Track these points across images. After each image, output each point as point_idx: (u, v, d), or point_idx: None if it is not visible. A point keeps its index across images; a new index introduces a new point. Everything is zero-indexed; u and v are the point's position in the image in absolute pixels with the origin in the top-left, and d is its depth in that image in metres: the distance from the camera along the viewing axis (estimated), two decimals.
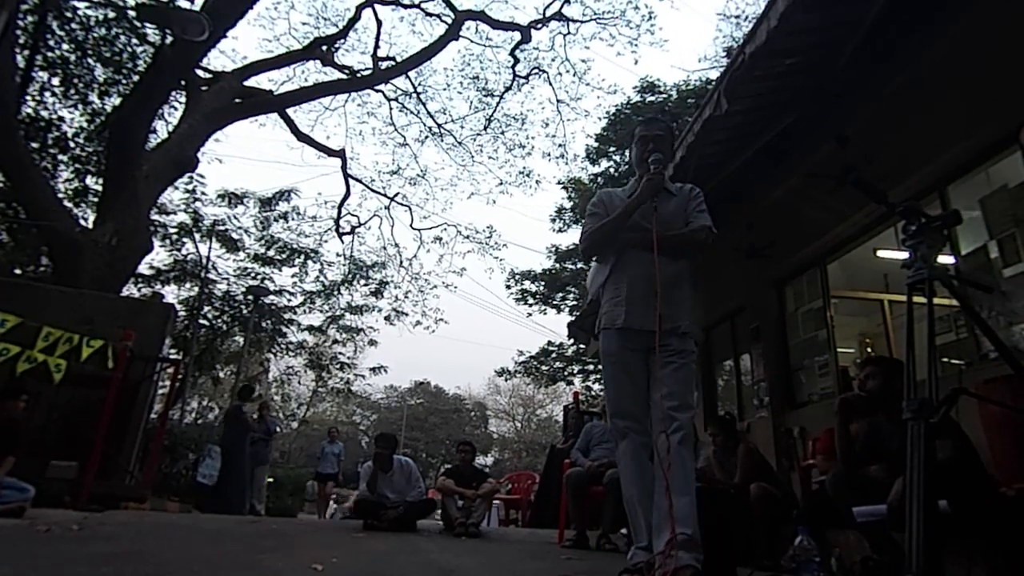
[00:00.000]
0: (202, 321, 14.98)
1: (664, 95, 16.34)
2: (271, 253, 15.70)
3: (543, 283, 19.09)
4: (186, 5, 9.17)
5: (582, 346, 12.19)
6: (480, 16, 13.39)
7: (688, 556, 2.17)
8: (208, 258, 14.67)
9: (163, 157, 9.18)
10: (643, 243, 2.61)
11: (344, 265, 16.46)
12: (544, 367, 20.36)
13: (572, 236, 19.12)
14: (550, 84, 14.65)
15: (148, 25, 9.66)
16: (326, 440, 12.01)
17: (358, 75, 13.34)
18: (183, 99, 10.63)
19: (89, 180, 11.22)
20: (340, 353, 18.71)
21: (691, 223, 2.73)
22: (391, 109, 14.92)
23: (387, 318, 17.34)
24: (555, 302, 19.04)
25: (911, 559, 1.51)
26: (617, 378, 2.65)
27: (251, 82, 11.56)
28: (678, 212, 2.75)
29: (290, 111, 12.75)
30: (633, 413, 2.60)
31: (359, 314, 17.43)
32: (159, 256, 14.41)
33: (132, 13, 9.51)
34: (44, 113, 10.38)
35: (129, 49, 10.60)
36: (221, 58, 13.45)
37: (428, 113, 14.93)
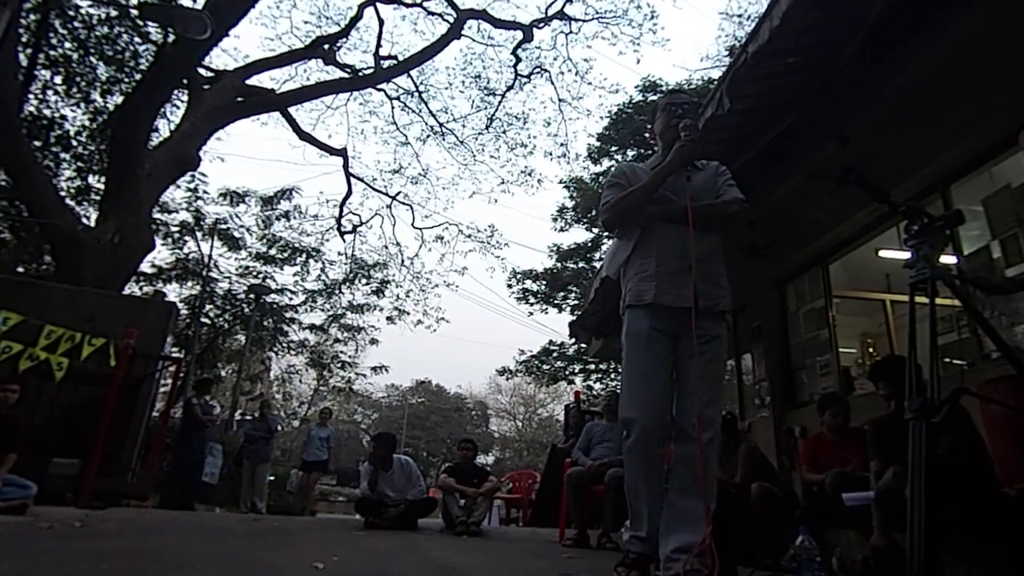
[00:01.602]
0: (204, 319, 15.03)
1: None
2: (273, 252, 15.74)
3: (544, 282, 19.09)
4: (188, 3, 9.19)
5: (583, 345, 12.18)
6: (482, 15, 13.39)
7: (698, 560, 2.13)
8: (210, 257, 14.71)
9: (165, 155, 9.19)
10: (672, 215, 2.42)
11: (345, 264, 16.51)
12: (545, 366, 20.36)
13: (574, 235, 19.15)
14: (552, 83, 14.68)
15: (150, 23, 9.68)
16: (314, 423, 10.89)
17: (360, 74, 13.35)
18: (185, 97, 10.63)
19: (91, 178, 11.26)
20: (341, 352, 18.76)
21: (722, 195, 2.56)
22: (393, 108, 14.94)
23: (388, 317, 17.39)
24: (556, 301, 19.04)
25: (911, 559, 1.51)
26: (642, 361, 2.38)
27: (253, 81, 11.57)
28: (707, 185, 2.57)
29: (292, 110, 12.76)
30: (655, 403, 2.35)
31: (360, 313, 17.47)
32: (161, 254, 14.49)
33: (134, 11, 9.53)
34: (46, 111, 10.42)
35: (131, 47, 10.63)
36: (223, 57, 13.53)
37: (430, 112, 14.95)
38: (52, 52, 10.06)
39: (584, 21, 13.91)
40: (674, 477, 2.33)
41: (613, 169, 2.77)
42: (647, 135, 2.91)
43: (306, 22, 16.06)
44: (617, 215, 2.56)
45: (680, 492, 2.28)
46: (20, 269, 10.82)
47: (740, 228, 2.58)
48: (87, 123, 10.90)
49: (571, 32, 14.04)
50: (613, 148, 17.01)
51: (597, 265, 14.61)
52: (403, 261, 16.63)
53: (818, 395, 5.42)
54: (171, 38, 8.81)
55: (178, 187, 12.95)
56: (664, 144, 2.66)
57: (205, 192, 14.49)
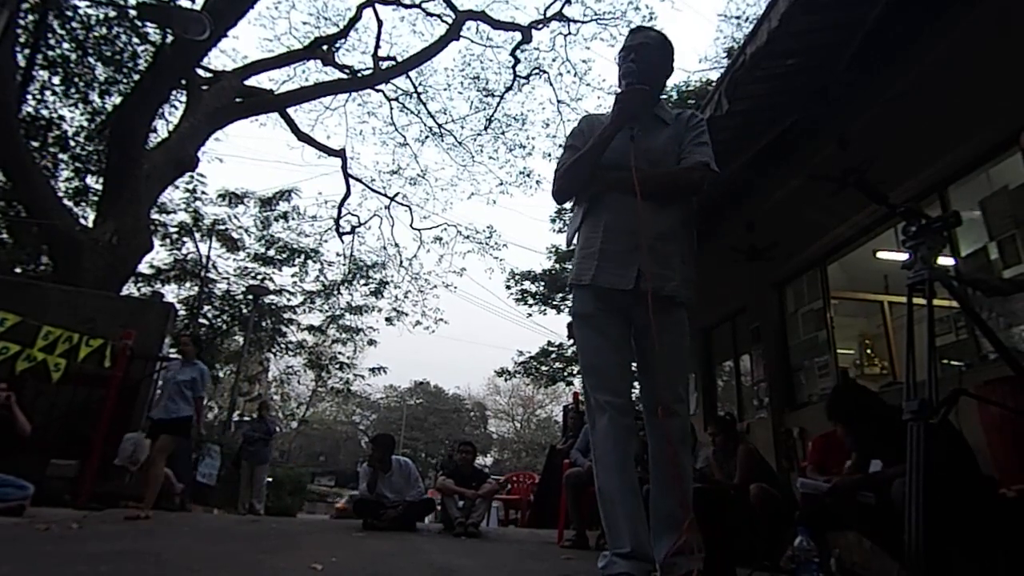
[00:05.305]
0: (202, 320, 15.01)
1: (664, 95, 16.31)
2: (271, 253, 15.75)
3: (543, 283, 19.07)
4: (187, 4, 9.18)
5: None
6: (481, 16, 13.40)
7: (688, 560, 2.04)
8: (208, 257, 14.73)
9: (163, 156, 9.18)
10: (624, 184, 2.10)
11: (344, 265, 16.51)
12: (544, 367, 20.34)
13: None
14: (551, 84, 14.69)
15: (149, 24, 9.67)
16: (175, 360, 6.00)
17: (359, 75, 13.36)
18: (184, 98, 10.64)
19: (89, 179, 11.26)
20: (340, 353, 18.78)
21: (685, 159, 2.19)
22: (391, 109, 14.95)
23: (387, 318, 17.38)
24: (555, 302, 19.01)
25: (911, 559, 1.51)
26: (592, 343, 2.16)
27: (252, 81, 11.58)
28: (670, 145, 2.22)
29: (291, 110, 12.77)
30: (615, 386, 2.11)
31: (359, 314, 17.47)
32: (159, 255, 14.49)
33: (133, 12, 9.52)
34: (44, 112, 10.41)
35: (130, 48, 10.61)
36: (222, 57, 13.61)
37: (428, 113, 14.97)
38: (50, 52, 10.03)
39: (583, 22, 13.93)
40: (653, 471, 2.13)
41: (575, 125, 2.40)
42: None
43: (305, 23, 16.12)
44: (564, 184, 2.27)
45: (661, 488, 2.09)
46: (18, 270, 10.80)
47: (698, 195, 2.27)
48: (85, 124, 10.89)
49: (570, 33, 14.08)
50: None
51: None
52: (401, 262, 16.66)
53: (817, 396, 5.45)
54: (169, 39, 8.81)
55: (176, 188, 12.99)
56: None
57: (203, 193, 14.54)
